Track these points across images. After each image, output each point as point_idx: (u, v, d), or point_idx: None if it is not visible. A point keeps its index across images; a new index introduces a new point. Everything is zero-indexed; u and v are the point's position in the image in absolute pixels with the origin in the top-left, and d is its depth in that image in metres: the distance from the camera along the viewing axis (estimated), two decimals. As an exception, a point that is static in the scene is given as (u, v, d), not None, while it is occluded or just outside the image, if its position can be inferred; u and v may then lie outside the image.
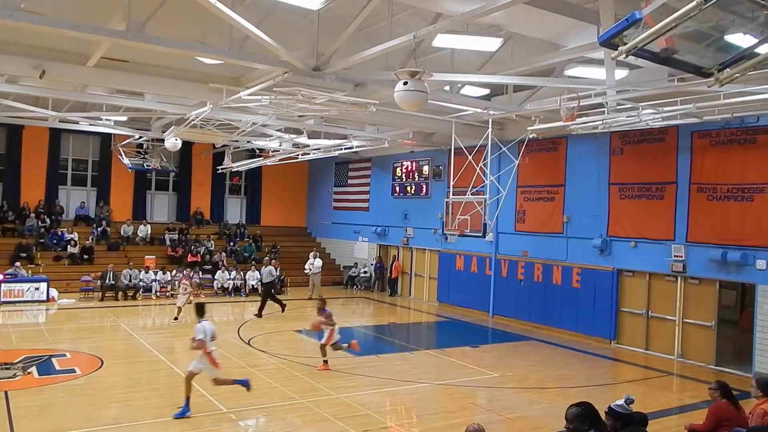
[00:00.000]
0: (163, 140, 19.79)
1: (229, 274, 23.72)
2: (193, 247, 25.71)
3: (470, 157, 16.02)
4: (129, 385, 11.45)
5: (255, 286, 23.30)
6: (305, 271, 23.90)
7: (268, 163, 24.34)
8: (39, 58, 11.85)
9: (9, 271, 20.52)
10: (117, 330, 16.64)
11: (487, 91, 15.71)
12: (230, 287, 23.39)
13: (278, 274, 21.27)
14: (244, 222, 29.67)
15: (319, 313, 12.86)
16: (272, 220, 30.32)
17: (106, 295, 21.11)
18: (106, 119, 19.20)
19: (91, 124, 20.03)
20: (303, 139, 19.85)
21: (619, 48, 4.49)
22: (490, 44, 10.78)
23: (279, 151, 22.27)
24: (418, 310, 21.86)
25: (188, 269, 21.53)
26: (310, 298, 22.87)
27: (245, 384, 10.05)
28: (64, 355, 13.12)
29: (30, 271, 21.29)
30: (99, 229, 25.19)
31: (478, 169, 15.82)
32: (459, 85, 14.14)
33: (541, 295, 18.19)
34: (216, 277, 23.67)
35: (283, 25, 10.04)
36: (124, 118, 19.22)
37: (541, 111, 14.71)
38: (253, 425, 9.65)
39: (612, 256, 16.39)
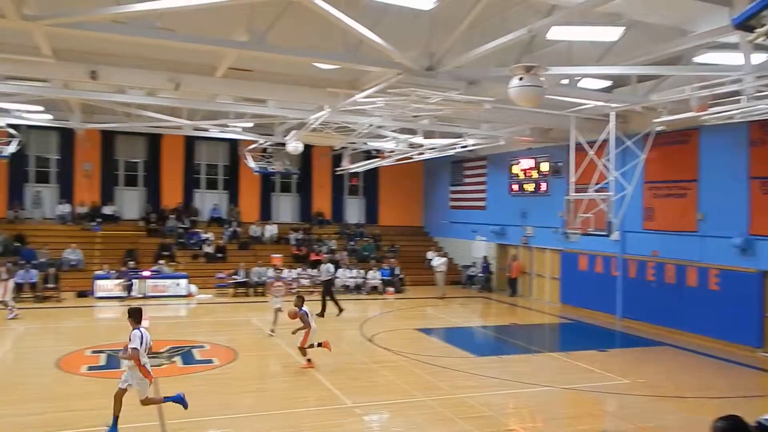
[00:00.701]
0: (285, 144, 20.72)
1: (351, 273, 24.44)
2: (315, 246, 26.75)
3: (592, 153, 15.34)
4: (261, 376, 12.17)
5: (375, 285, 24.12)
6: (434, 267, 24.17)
7: (385, 164, 24.75)
8: (173, 71, 12.88)
9: (154, 268, 22.53)
10: (248, 324, 17.67)
11: (608, 83, 14.94)
12: (352, 285, 24.07)
13: (335, 272, 20.83)
14: (363, 222, 30.40)
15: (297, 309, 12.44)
16: (390, 219, 30.79)
17: (238, 291, 22.48)
18: (234, 126, 20.44)
19: (221, 131, 21.43)
20: (418, 139, 20.00)
21: (756, 30, 4.12)
22: (611, 34, 10.26)
23: (395, 151, 22.57)
24: (539, 311, 21.26)
25: (280, 271, 21.81)
26: (443, 297, 22.97)
27: (180, 400, 8.78)
28: (203, 347, 14.15)
29: (172, 268, 23.18)
30: (230, 229, 26.89)
31: (600, 164, 15.11)
32: (577, 78, 13.58)
33: (675, 298, 16.98)
34: (337, 275, 24.42)
35: (396, 27, 10.14)
36: (250, 124, 20.38)
37: (669, 102, 13.77)
38: (377, 420, 9.81)
39: (756, 256, 14.95)
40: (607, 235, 15.06)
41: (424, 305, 21.65)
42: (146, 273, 21.92)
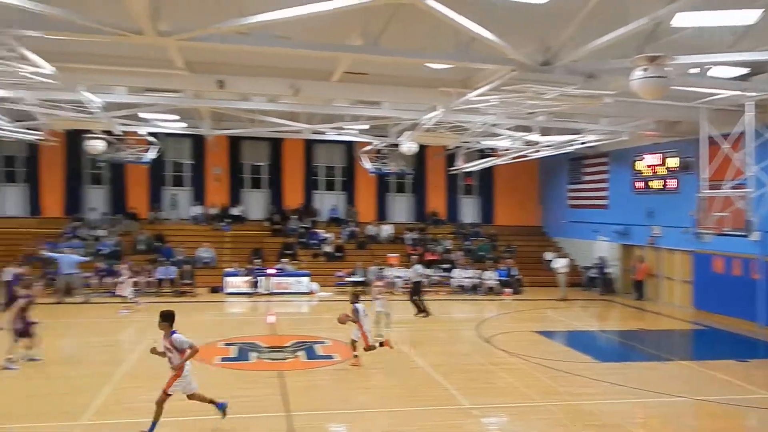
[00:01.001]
0: (399, 145, 20.96)
1: (466, 273, 24.27)
2: (430, 245, 26.84)
3: (726, 146, 14.20)
4: (381, 373, 12.30)
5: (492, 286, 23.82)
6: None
7: (500, 162, 24.34)
8: (292, 77, 13.47)
9: (278, 266, 23.67)
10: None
11: (744, 71, 13.68)
12: (468, 286, 23.90)
13: (424, 272, 20.25)
14: (478, 221, 30.10)
15: (351, 305, 12.28)
16: (506, 219, 30.22)
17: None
18: (350, 128, 21.00)
19: (337, 134, 22.10)
20: (534, 137, 19.50)
21: None
22: (746, 17, 9.42)
23: (509, 149, 22.15)
24: (669, 317, 19.96)
25: (381, 269, 22.02)
26: (564, 299, 22.38)
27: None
28: (325, 342, 14.64)
29: (294, 267, 24.19)
30: (348, 229, 27.66)
31: (736, 159, 13.94)
32: (707, 67, 12.59)
33: (826, 304, 15.34)
34: (453, 275, 24.38)
35: (508, 22, 9.94)
36: (365, 126, 20.85)
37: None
38: (495, 423, 9.69)
39: None
40: (745, 236, 13.89)
41: (543, 307, 21.05)
42: (271, 271, 23.05)
